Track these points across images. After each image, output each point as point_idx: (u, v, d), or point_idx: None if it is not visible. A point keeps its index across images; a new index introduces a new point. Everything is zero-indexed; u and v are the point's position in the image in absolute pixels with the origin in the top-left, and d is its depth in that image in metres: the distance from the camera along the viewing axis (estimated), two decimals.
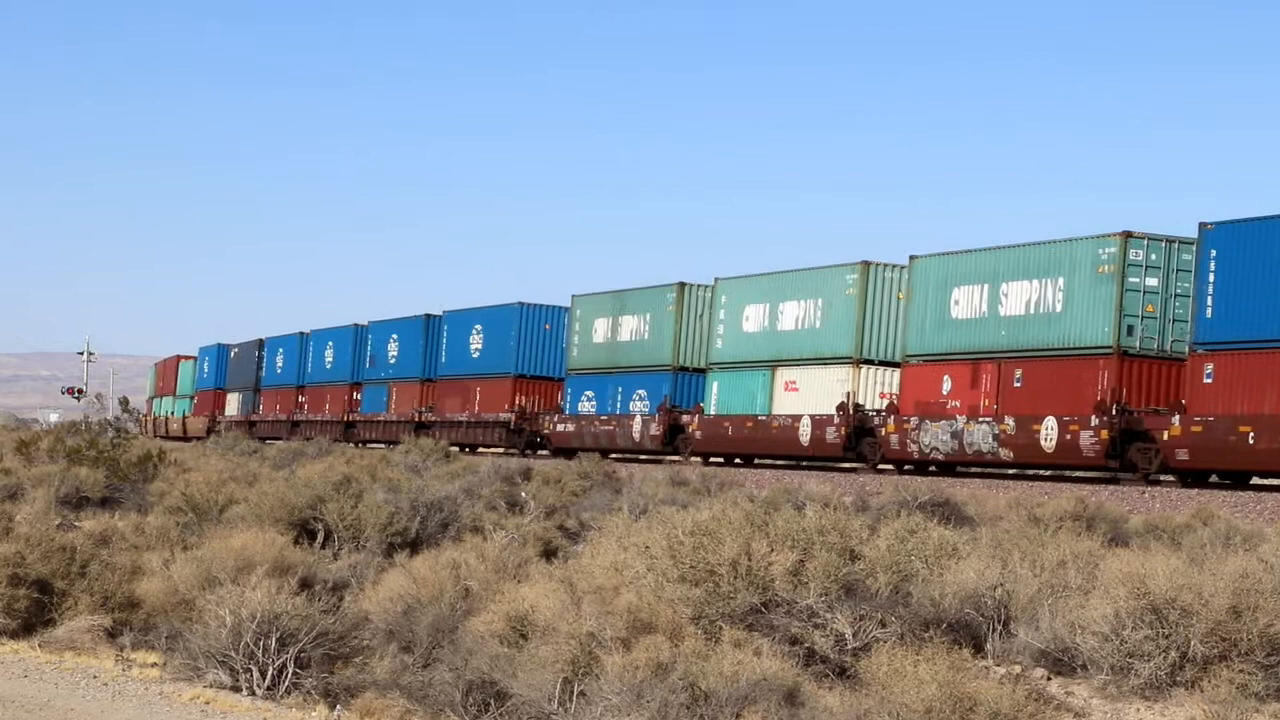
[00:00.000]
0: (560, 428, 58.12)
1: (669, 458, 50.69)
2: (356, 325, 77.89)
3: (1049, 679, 12.94)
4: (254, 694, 12.19)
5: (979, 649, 13.33)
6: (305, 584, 13.93)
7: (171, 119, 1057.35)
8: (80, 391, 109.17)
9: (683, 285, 53.56)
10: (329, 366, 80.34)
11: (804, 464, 47.73)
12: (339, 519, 18.58)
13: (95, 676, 12.80)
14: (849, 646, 12.57)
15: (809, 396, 46.50)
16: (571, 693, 10.83)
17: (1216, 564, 13.57)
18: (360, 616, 13.55)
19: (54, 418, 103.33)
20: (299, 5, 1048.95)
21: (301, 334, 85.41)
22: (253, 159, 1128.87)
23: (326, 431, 75.91)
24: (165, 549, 16.65)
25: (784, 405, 47.48)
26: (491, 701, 11.17)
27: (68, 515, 23.01)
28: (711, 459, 50.32)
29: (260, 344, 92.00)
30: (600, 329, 57.66)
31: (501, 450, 59.60)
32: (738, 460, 50.08)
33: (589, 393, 57.50)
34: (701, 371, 52.32)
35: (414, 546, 17.99)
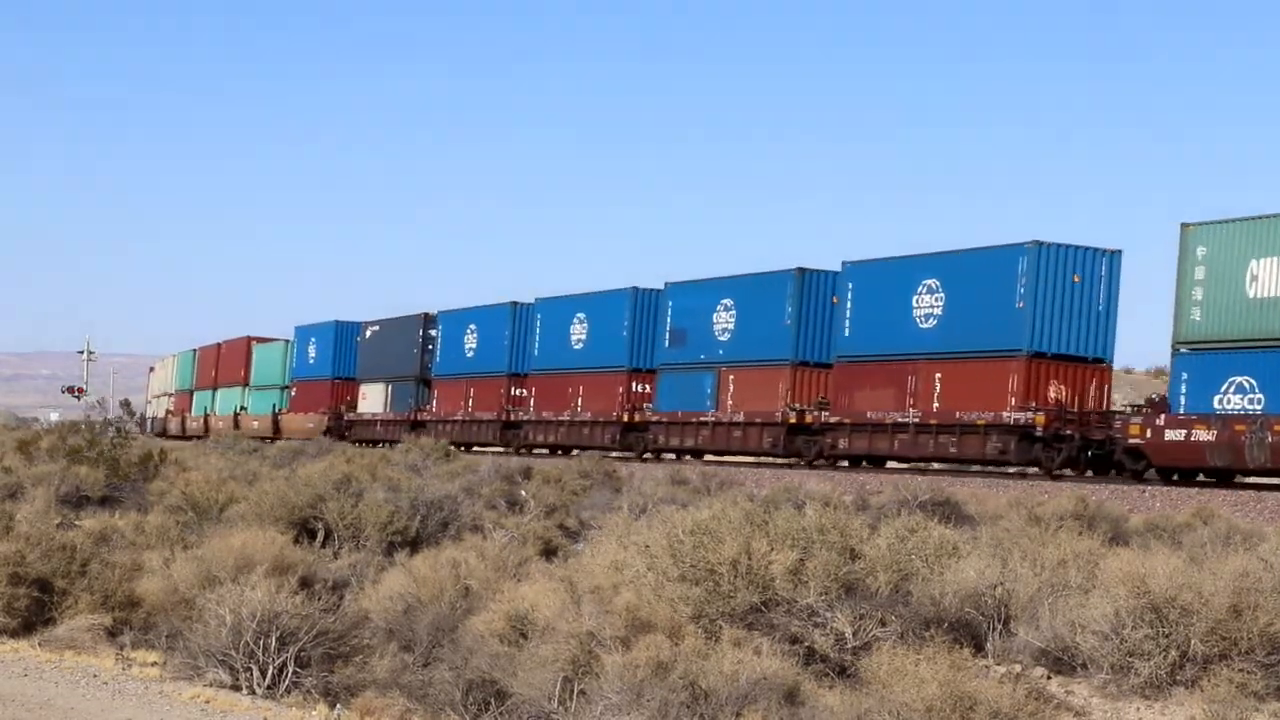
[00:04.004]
0: (1173, 435, 37.56)
1: None
2: (636, 289, 57.97)
3: (1049, 678, 12.94)
4: (254, 693, 12.19)
5: (979, 648, 13.33)
6: (305, 583, 13.94)
7: (172, 119, 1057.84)
8: (81, 391, 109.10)
9: None
10: (578, 346, 60.75)
11: None
12: (339, 518, 18.59)
13: (95, 675, 12.79)
14: (849, 645, 12.57)
15: None
16: (571, 692, 10.83)
17: (1216, 563, 13.57)
18: (360, 615, 13.56)
19: (54, 417, 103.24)
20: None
21: (515, 304, 65.97)
22: (250, 157, 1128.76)
23: (583, 435, 59.04)
24: (165, 548, 16.67)
25: None
26: (491, 700, 11.17)
27: (68, 514, 23.03)
28: None
29: (426, 319, 72.53)
30: (1268, 274, 36.37)
31: (1016, 469, 42.92)
32: None
33: (1241, 379, 36.49)
34: None
35: (414, 545, 18.00)
